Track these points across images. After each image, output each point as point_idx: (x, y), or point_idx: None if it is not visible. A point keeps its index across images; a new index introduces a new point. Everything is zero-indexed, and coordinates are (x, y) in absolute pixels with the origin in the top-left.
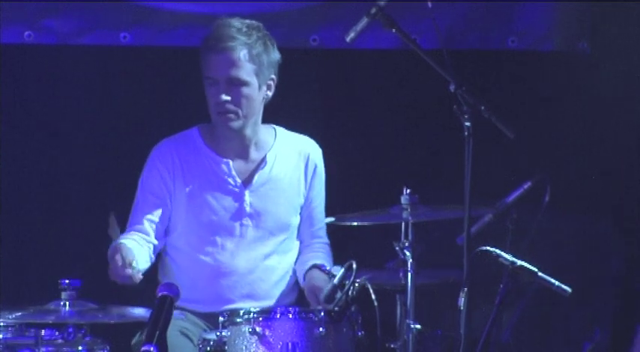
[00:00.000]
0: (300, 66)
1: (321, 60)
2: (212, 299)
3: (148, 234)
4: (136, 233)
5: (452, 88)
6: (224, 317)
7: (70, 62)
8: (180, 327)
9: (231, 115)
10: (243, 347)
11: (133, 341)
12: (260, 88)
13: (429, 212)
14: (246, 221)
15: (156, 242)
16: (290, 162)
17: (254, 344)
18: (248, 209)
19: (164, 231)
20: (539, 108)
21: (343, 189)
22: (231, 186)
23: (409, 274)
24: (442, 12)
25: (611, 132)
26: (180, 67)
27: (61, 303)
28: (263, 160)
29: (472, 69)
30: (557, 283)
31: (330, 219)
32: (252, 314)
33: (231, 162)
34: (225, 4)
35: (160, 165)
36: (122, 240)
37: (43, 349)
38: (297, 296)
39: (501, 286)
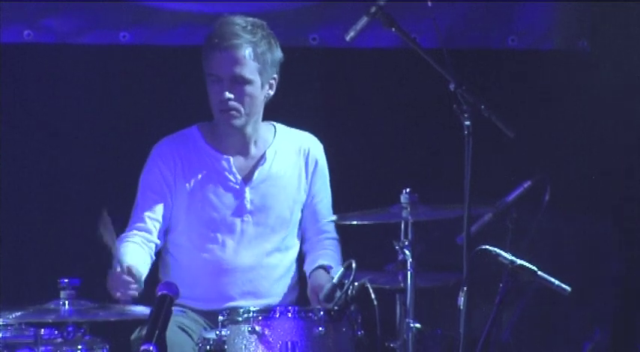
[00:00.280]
0: (300, 65)
1: (321, 59)
2: (213, 296)
3: (149, 233)
4: (138, 233)
5: (452, 87)
6: (223, 316)
7: (70, 61)
8: (180, 323)
9: (234, 113)
10: (243, 347)
11: (133, 337)
12: (263, 86)
13: (429, 211)
14: (247, 217)
15: (157, 241)
16: (290, 158)
17: (253, 343)
18: (249, 206)
19: (165, 229)
20: (539, 108)
21: (343, 188)
22: (231, 183)
23: (409, 273)
24: (442, 11)
25: (611, 132)
26: (180, 66)
27: (61, 302)
28: (263, 157)
29: (472, 68)
30: (557, 282)
31: (331, 218)
32: (251, 313)
33: (231, 159)
34: (224, 3)
35: (161, 164)
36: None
37: (43, 348)
38: (299, 294)
39: (501, 285)
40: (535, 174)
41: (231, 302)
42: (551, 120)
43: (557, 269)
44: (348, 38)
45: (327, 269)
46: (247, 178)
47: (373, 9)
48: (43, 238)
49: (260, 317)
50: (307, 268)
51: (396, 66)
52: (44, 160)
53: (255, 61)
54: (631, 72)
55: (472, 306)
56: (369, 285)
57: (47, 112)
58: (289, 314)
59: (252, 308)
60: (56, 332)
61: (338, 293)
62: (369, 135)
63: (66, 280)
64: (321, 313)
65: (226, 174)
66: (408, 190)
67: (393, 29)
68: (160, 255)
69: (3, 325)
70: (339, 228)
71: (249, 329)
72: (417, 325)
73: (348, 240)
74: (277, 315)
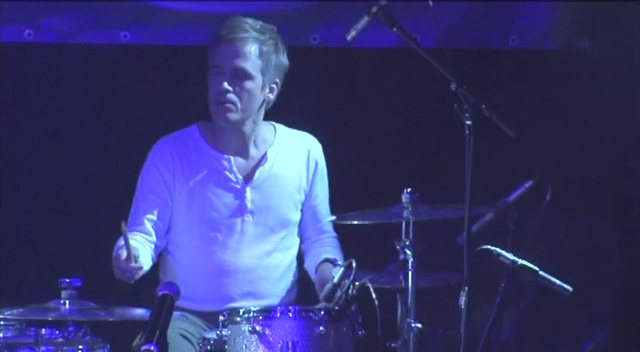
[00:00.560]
0: (301, 65)
1: (322, 59)
2: (213, 297)
3: (149, 234)
4: (138, 233)
5: (452, 86)
6: (224, 316)
7: (71, 61)
8: (180, 329)
9: (230, 106)
10: (243, 346)
11: (134, 343)
12: (264, 87)
13: (430, 211)
14: (248, 217)
15: (157, 241)
16: (291, 159)
17: (254, 343)
18: (249, 205)
19: (165, 230)
20: (539, 107)
21: (344, 187)
22: (232, 183)
23: (410, 273)
24: (443, 11)
25: (612, 132)
26: (180, 65)
27: (61, 302)
28: (264, 157)
29: (473, 68)
30: (558, 282)
31: (331, 218)
32: (252, 313)
33: (232, 158)
34: (225, 3)
35: (160, 163)
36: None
37: (44, 348)
38: (298, 294)
39: (502, 285)
40: (536, 174)
41: (232, 303)
42: (552, 120)
43: (557, 269)
44: (349, 38)
45: (333, 262)
46: (248, 178)
47: (374, 9)
48: (43, 238)
49: (261, 317)
50: (310, 265)
51: (396, 66)
52: (44, 160)
53: (259, 59)
54: (631, 72)
55: (473, 306)
56: (369, 285)
57: (47, 112)
58: (290, 314)
59: (252, 308)
60: (57, 331)
61: (338, 293)
62: (370, 135)
63: (67, 280)
64: (322, 313)
65: (227, 173)
66: (408, 190)
67: (394, 29)
68: (160, 255)
69: (4, 325)
70: (340, 228)
71: (250, 329)
72: (418, 325)
73: (349, 240)
74: (278, 315)
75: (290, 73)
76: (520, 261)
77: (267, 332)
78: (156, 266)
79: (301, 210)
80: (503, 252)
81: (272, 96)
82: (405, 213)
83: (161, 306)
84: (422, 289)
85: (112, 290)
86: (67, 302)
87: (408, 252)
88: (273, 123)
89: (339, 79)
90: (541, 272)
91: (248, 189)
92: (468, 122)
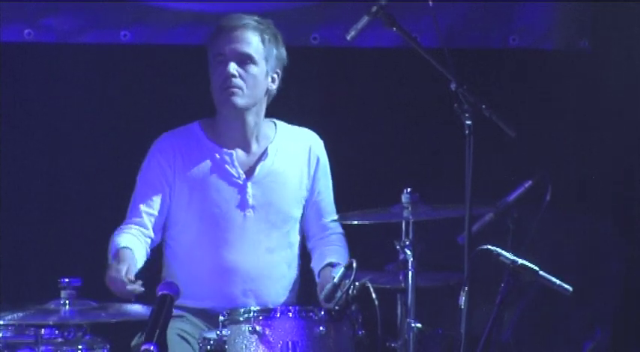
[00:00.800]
0: (301, 64)
1: (322, 58)
2: (215, 294)
3: (146, 228)
4: (134, 226)
5: (453, 86)
6: (224, 316)
7: (70, 61)
8: (179, 330)
9: (237, 90)
10: (244, 346)
11: (133, 343)
12: (267, 75)
13: (430, 211)
14: (249, 212)
15: (153, 235)
16: (292, 155)
17: (254, 343)
18: (251, 201)
19: (162, 225)
20: (540, 107)
21: (344, 187)
22: (234, 178)
23: (410, 273)
24: (443, 11)
25: (611, 132)
26: (180, 65)
27: (61, 302)
28: (265, 152)
29: (473, 67)
30: (558, 282)
31: (332, 218)
32: (252, 313)
33: (234, 153)
34: (225, 3)
35: (161, 158)
36: (124, 242)
37: (43, 348)
38: (298, 293)
39: (502, 285)
40: (536, 174)
41: (233, 300)
42: (552, 120)
43: (557, 269)
44: (349, 37)
45: (335, 267)
46: (249, 173)
47: (374, 8)
48: (43, 238)
49: (261, 317)
50: (315, 266)
51: (396, 65)
52: (44, 160)
53: (262, 45)
54: (631, 72)
55: (473, 306)
56: (369, 285)
57: (47, 111)
58: (290, 314)
59: (252, 308)
60: (57, 332)
61: (339, 293)
62: (370, 135)
63: (66, 280)
64: (322, 313)
65: (228, 168)
66: (408, 190)
67: (394, 29)
68: (162, 253)
69: (3, 325)
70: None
71: (250, 329)
72: (418, 325)
73: (349, 240)
74: (278, 315)
75: (290, 72)
76: (520, 261)
77: (267, 332)
78: (153, 266)
79: (304, 207)
80: (504, 252)
81: (274, 87)
82: (405, 213)
83: (161, 306)
84: (422, 289)
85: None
86: (67, 302)
87: (408, 252)
88: (274, 120)
89: (339, 79)
90: (541, 272)
91: (249, 184)
92: (468, 122)
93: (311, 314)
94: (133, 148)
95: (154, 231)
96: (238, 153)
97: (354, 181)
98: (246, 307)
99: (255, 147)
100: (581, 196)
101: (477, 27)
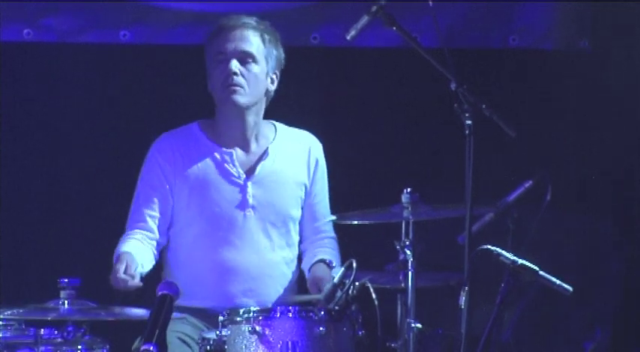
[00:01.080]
0: (301, 64)
1: (322, 58)
2: (215, 294)
3: (151, 231)
4: (139, 231)
5: (453, 86)
6: (224, 316)
7: (70, 60)
8: (179, 332)
9: (239, 88)
10: (243, 347)
11: (134, 347)
12: (267, 74)
13: (430, 211)
14: (249, 212)
15: (159, 238)
16: (291, 156)
17: (254, 343)
18: (251, 200)
19: (167, 227)
20: (540, 107)
21: (344, 187)
22: (234, 177)
23: (409, 273)
24: (443, 10)
25: (611, 132)
26: (180, 65)
27: (60, 302)
28: (265, 152)
29: (473, 67)
30: (558, 282)
31: (331, 218)
32: (251, 313)
33: (234, 152)
34: (225, 3)
35: (161, 159)
36: (125, 247)
37: (43, 348)
38: (298, 292)
39: (502, 285)
40: (536, 173)
41: (233, 300)
42: (552, 120)
43: (557, 269)
44: (348, 37)
45: (327, 263)
46: (249, 173)
47: (374, 8)
48: (43, 238)
49: (260, 317)
50: (305, 265)
51: (396, 65)
52: (44, 160)
53: (262, 44)
54: (631, 72)
55: (473, 306)
56: (369, 285)
57: (47, 112)
58: (290, 314)
59: (252, 308)
60: (56, 332)
61: (339, 293)
62: (370, 135)
63: (66, 280)
64: (322, 313)
65: (228, 167)
66: (408, 190)
67: (394, 28)
68: (161, 253)
69: (3, 325)
70: (340, 228)
71: (250, 329)
72: (418, 325)
73: (349, 240)
74: (278, 315)
75: (290, 72)
76: (520, 261)
77: (267, 332)
78: (158, 265)
79: (302, 208)
80: (504, 252)
81: (272, 88)
82: (405, 213)
83: (160, 306)
84: (422, 289)
85: (112, 289)
86: (66, 302)
87: (408, 252)
88: (273, 121)
89: (339, 79)
90: (541, 272)
91: (249, 183)
92: (468, 122)
93: (311, 314)
94: (133, 148)
95: (161, 233)
96: (238, 153)
97: (354, 181)
98: (246, 307)
99: (254, 147)
100: (581, 196)
101: (477, 27)
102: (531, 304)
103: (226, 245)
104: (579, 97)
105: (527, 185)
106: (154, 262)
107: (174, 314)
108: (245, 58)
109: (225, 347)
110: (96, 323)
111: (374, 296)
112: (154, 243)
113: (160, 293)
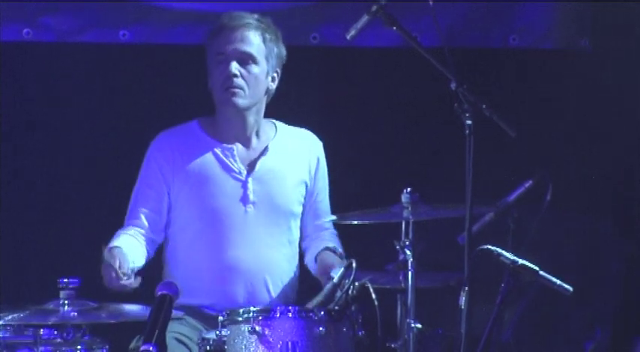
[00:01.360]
0: (301, 64)
1: (322, 58)
2: (215, 291)
3: (145, 228)
4: (133, 227)
5: (453, 86)
6: (223, 316)
7: (70, 60)
8: (177, 333)
9: (238, 91)
10: (243, 347)
11: (131, 346)
12: (268, 74)
13: (430, 211)
14: (250, 208)
15: (154, 236)
16: (293, 153)
17: (253, 344)
18: (252, 196)
19: (164, 225)
20: (540, 107)
21: (343, 187)
22: (235, 173)
23: (409, 273)
24: (443, 10)
25: (612, 132)
26: (179, 64)
27: (60, 302)
28: (265, 148)
29: (473, 67)
30: (558, 282)
31: (331, 218)
32: (251, 313)
33: (234, 148)
34: (225, 3)
35: (159, 157)
36: (116, 242)
37: (42, 348)
38: (298, 290)
39: (502, 285)
40: (536, 173)
41: (234, 297)
42: (553, 120)
43: (558, 269)
44: (348, 37)
45: (333, 251)
46: (250, 169)
47: (374, 8)
48: (43, 238)
49: (260, 317)
50: (310, 257)
51: (396, 65)
52: (44, 160)
53: (262, 44)
54: (631, 72)
55: (473, 306)
56: (369, 285)
57: (46, 112)
58: (289, 314)
59: (252, 308)
60: (55, 332)
61: (338, 293)
62: (370, 135)
63: (65, 280)
64: (322, 313)
65: (229, 163)
66: (408, 190)
67: (394, 28)
68: (162, 253)
69: (2, 325)
70: (340, 228)
71: (250, 329)
72: (418, 325)
73: (349, 240)
74: (277, 315)
75: (290, 72)
76: (520, 261)
77: (266, 333)
78: (153, 266)
79: (303, 206)
80: (504, 252)
81: (273, 86)
82: (405, 213)
83: (160, 306)
84: (422, 289)
85: (111, 289)
86: (66, 302)
87: (408, 252)
88: (273, 120)
89: (339, 78)
90: (541, 272)
91: (250, 179)
92: (468, 122)
93: (311, 314)
94: (133, 148)
95: (155, 231)
96: (239, 148)
97: (354, 181)
98: (247, 305)
99: (255, 143)
100: (581, 196)
101: (477, 26)
102: (531, 304)
103: (227, 241)
104: (579, 97)
105: (527, 185)
106: (145, 258)
107: (173, 314)
108: (245, 58)
109: (225, 347)
110: (95, 324)
111: (374, 296)
112: (148, 239)
113: (159, 293)
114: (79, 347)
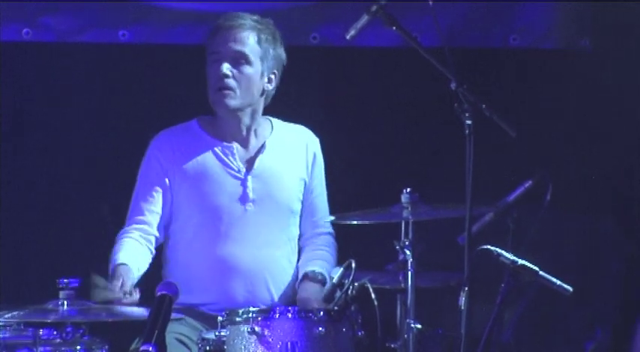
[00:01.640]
0: (301, 64)
1: (322, 58)
2: (215, 289)
3: (149, 226)
4: (136, 227)
5: (453, 86)
6: (223, 316)
7: (69, 60)
8: (177, 333)
9: (229, 92)
10: (242, 347)
11: (132, 348)
12: (262, 75)
13: (430, 211)
14: (250, 206)
15: (157, 234)
16: (289, 149)
17: (253, 344)
18: (251, 194)
19: (165, 223)
20: (540, 107)
21: (343, 187)
22: (234, 171)
23: (409, 273)
24: (443, 10)
25: (612, 132)
26: (179, 64)
27: (60, 302)
28: (263, 146)
29: (473, 67)
30: (558, 282)
31: (331, 218)
32: (251, 313)
33: (233, 146)
34: (225, 3)
35: (159, 155)
36: (121, 256)
37: (42, 348)
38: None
39: (502, 285)
40: (536, 173)
41: (233, 295)
42: (553, 120)
43: (558, 269)
44: (348, 37)
45: (314, 277)
46: (249, 167)
47: (374, 7)
48: (43, 238)
49: (260, 318)
50: (300, 269)
51: (396, 65)
52: (44, 160)
53: (257, 45)
54: (631, 72)
55: (473, 306)
56: (369, 285)
57: (46, 112)
58: (289, 315)
59: (251, 309)
60: (55, 332)
61: (338, 294)
62: (370, 135)
63: (65, 280)
64: (321, 313)
65: (229, 161)
66: (408, 190)
67: (394, 28)
68: (161, 252)
69: (2, 325)
70: (340, 228)
71: (249, 329)
72: (418, 325)
73: (348, 240)
74: (277, 315)
75: (290, 72)
76: (520, 261)
77: (266, 333)
78: (154, 266)
79: (301, 203)
80: (504, 252)
81: (271, 87)
82: (405, 213)
83: (160, 306)
84: (422, 289)
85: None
86: (66, 302)
87: (408, 252)
88: (269, 117)
89: (339, 78)
90: (541, 273)
91: (249, 178)
92: (468, 122)
93: (310, 314)
94: (133, 148)
95: (157, 229)
96: (238, 147)
97: (354, 181)
98: (246, 303)
99: (253, 142)
100: (581, 196)
101: (477, 26)
102: (531, 304)
103: (226, 239)
104: (579, 97)
105: (527, 185)
106: (150, 260)
107: (173, 315)
108: (238, 58)
109: (225, 347)
110: (95, 324)
111: (373, 296)
112: (151, 238)
113: (159, 293)
114: (78, 347)
